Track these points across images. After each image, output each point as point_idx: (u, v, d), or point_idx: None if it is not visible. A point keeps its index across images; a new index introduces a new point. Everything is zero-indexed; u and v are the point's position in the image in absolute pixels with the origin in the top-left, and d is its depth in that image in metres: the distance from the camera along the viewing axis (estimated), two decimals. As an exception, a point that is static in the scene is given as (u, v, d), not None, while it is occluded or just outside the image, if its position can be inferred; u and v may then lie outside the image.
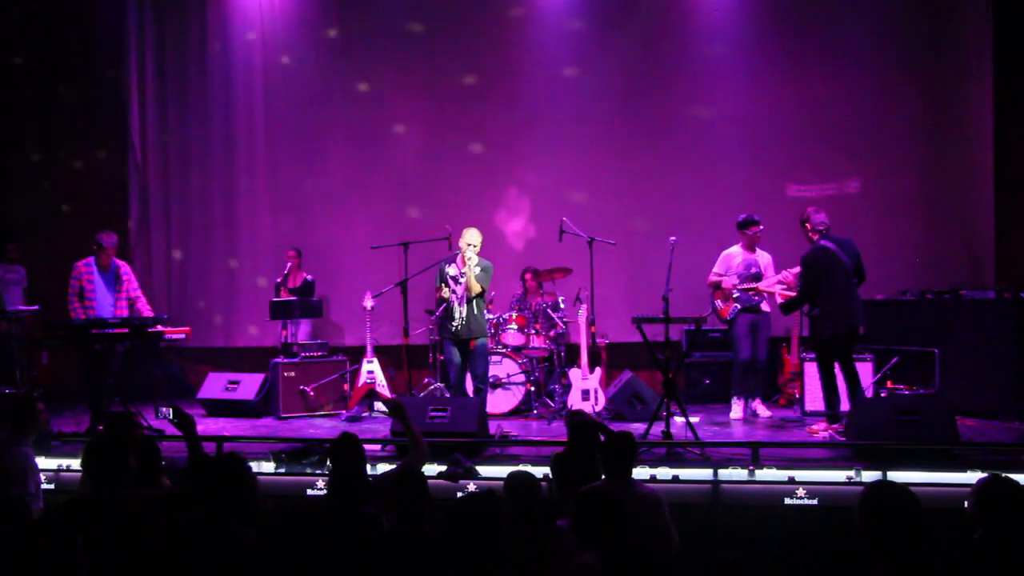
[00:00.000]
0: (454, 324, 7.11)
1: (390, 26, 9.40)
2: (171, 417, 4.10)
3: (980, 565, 3.07)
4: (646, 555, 2.85)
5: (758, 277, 7.45)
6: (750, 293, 7.41)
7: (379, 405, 7.87)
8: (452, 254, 7.18)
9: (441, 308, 7.20)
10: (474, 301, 7.09)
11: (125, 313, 7.58)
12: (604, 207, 8.98)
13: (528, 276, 8.59)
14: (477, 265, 7.10)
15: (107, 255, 7.65)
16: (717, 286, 7.52)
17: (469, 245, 7.07)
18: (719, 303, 7.52)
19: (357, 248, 9.06)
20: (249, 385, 8.18)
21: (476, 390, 7.16)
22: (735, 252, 7.57)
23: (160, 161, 9.71)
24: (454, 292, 7.13)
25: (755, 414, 7.54)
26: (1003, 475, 3.31)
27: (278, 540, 3.40)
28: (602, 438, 4.47)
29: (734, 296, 7.44)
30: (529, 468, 5.56)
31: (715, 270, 7.57)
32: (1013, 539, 3.08)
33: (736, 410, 7.49)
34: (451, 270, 7.17)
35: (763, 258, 7.58)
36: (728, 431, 7.07)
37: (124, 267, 7.85)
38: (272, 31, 9.56)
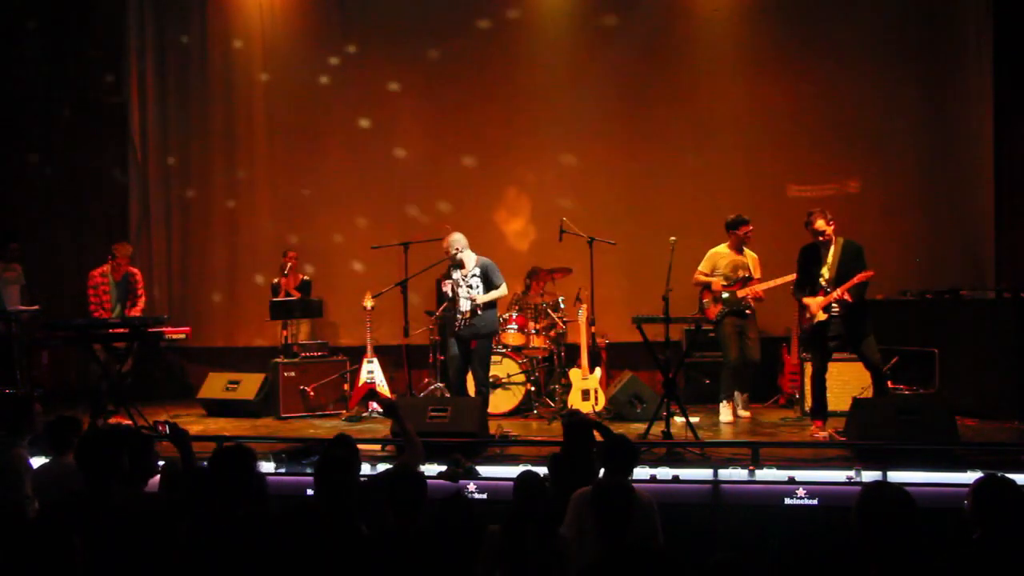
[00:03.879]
0: (457, 323, 7.09)
1: (390, 26, 9.40)
2: (167, 433, 4.17)
3: (979, 565, 3.07)
4: (656, 552, 2.86)
5: (746, 282, 7.44)
6: (739, 297, 7.39)
7: (374, 405, 7.85)
8: (451, 258, 7.13)
9: (443, 307, 7.18)
10: (479, 303, 7.05)
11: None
12: (604, 207, 8.97)
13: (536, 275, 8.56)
14: (476, 272, 7.03)
15: (119, 265, 8.06)
16: (707, 286, 7.48)
17: (453, 252, 7.03)
18: (707, 302, 7.48)
19: (357, 248, 9.05)
20: (249, 385, 8.19)
21: (477, 392, 7.15)
22: (722, 252, 7.52)
23: (160, 162, 9.70)
24: (456, 294, 7.11)
25: (738, 416, 7.51)
26: (1000, 474, 3.31)
27: (276, 538, 3.40)
28: (598, 436, 4.47)
29: (723, 297, 7.42)
30: (529, 468, 5.59)
31: (700, 268, 7.50)
32: (1011, 539, 3.08)
33: (726, 413, 7.42)
34: (456, 274, 7.14)
35: (750, 258, 7.55)
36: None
37: (136, 275, 8.31)
38: (272, 31, 9.55)
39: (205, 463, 5.47)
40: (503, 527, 3.54)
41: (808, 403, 7.55)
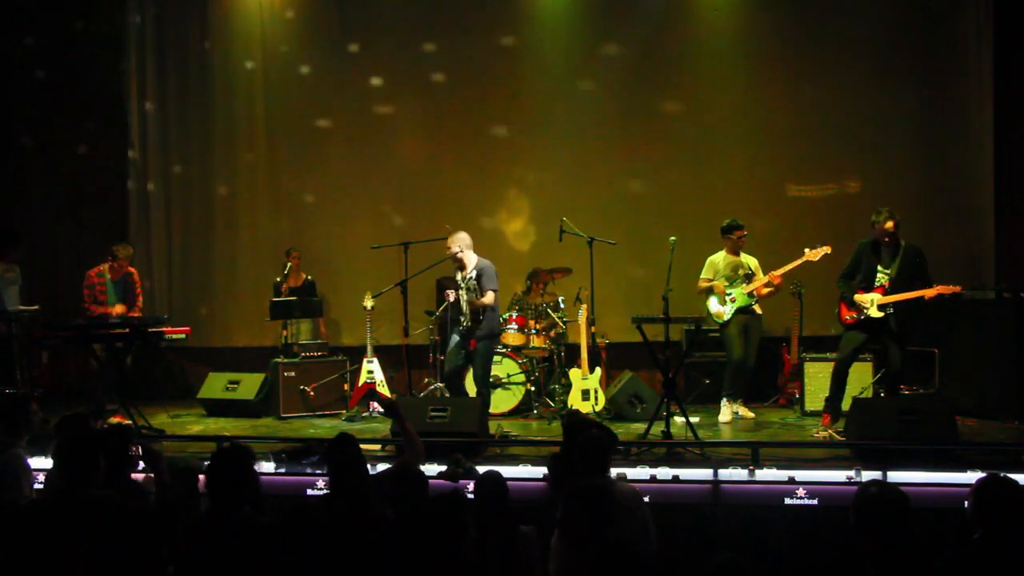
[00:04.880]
0: (460, 323, 7.10)
1: (391, 27, 9.39)
2: (140, 454, 4.21)
3: (979, 565, 3.07)
4: (632, 553, 2.85)
5: (750, 279, 7.44)
6: (746, 294, 7.36)
7: (375, 405, 7.85)
8: (452, 258, 7.12)
9: (442, 308, 7.21)
10: (475, 304, 7.02)
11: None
12: (604, 207, 8.97)
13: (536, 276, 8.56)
14: (473, 276, 7.01)
15: (120, 265, 7.98)
16: (711, 290, 7.49)
17: (455, 251, 7.03)
18: (715, 307, 7.49)
19: (357, 248, 9.05)
20: (249, 385, 8.19)
21: (477, 393, 7.15)
22: (719, 257, 7.57)
23: (160, 161, 9.69)
24: (457, 296, 7.12)
25: (739, 416, 7.50)
26: (1001, 474, 3.31)
27: (279, 539, 3.41)
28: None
29: (729, 298, 7.42)
30: (529, 468, 5.60)
31: (702, 276, 7.56)
32: (1012, 539, 3.08)
33: (726, 413, 7.43)
34: (457, 275, 7.15)
35: (750, 261, 7.56)
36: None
37: (135, 275, 8.27)
38: (272, 31, 9.55)
39: (204, 462, 5.49)
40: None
41: (808, 403, 7.60)
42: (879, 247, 6.54)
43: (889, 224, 6.43)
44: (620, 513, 3.80)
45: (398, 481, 3.63)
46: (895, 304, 6.42)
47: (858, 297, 6.51)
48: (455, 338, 7.13)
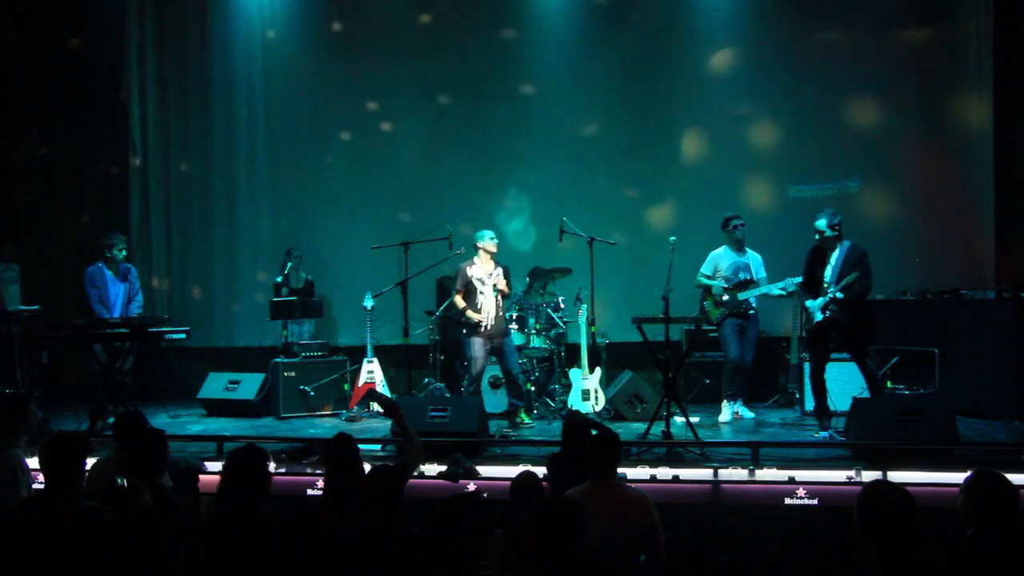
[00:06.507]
0: (484, 324, 7.28)
1: (391, 25, 9.40)
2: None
3: (975, 562, 3.07)
4: (602, 566, 2.83)
5: (747, 284, 7.42)
6: (739, 300, 7.37)
7: (375, 406, 7.84)
8: (459, 255, 7.27)
9: (443, 307, 7.35)
10: (500, 300, 7.39)
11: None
12: (604, 207, 8.98)
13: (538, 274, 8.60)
14: (499, 273, 7.39)
15: (113, 258, 7.92)
16: (709, 289, 7.49)
17: (485, 243, 7.43)
18: (709, 306, 7.48)
19: (357, 248, 9.05)
20: (249, 385, 8.19)
21: (511, 383, 7.51)
22: (723, 254, 7.55)
23: (160, 161, 9.69)
24: (482, 293, 7.21)
25: (739, 416, 7.50)
26: (989, 470, 3.32)
27: (278, 538, 3.40)
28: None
29: (724, 299, 7.40)
30: (529, 468, 5.59)
31: (703, 271, 7.54)
32: (1005, 534, 3.09)
33: (726, 413, 7.44)
34: (474, 271, 7.27)
35: (753, 259, 7.55)
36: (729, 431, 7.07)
37: (133, 270, 8.20)
38: (273, 30, 9.55)
39: (204, 462, 5.48)
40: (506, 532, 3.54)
41: (808, 403, 7.57)
42: (824, 252, 6.59)
43: (817, 223, 6.52)
44: (622, 518, 3.80)
45: (371, 480, 3.62)
46: (836, 304, 6.41)
47: (809, 303, 6.59)
48: (478, 342, 7.34)
